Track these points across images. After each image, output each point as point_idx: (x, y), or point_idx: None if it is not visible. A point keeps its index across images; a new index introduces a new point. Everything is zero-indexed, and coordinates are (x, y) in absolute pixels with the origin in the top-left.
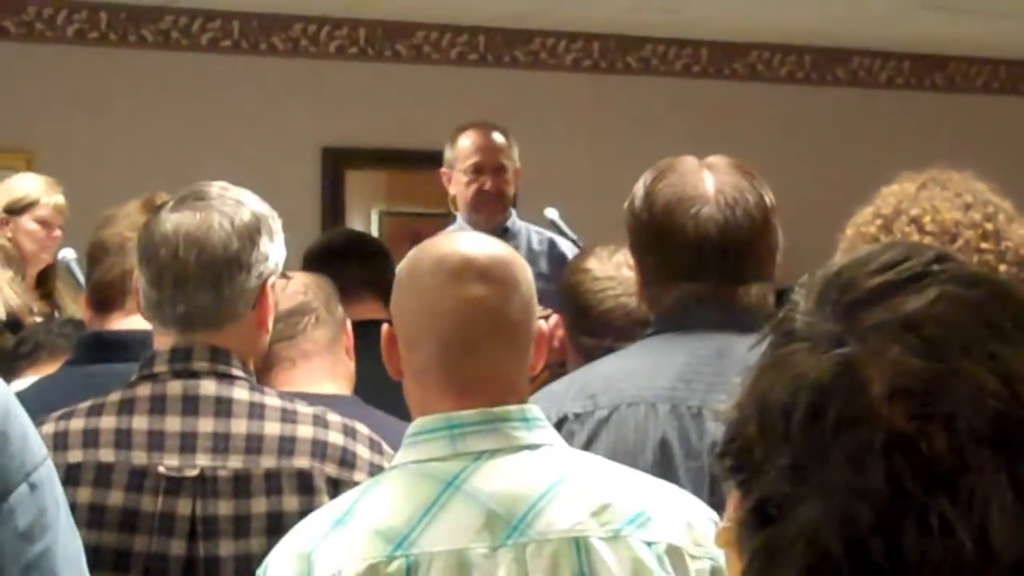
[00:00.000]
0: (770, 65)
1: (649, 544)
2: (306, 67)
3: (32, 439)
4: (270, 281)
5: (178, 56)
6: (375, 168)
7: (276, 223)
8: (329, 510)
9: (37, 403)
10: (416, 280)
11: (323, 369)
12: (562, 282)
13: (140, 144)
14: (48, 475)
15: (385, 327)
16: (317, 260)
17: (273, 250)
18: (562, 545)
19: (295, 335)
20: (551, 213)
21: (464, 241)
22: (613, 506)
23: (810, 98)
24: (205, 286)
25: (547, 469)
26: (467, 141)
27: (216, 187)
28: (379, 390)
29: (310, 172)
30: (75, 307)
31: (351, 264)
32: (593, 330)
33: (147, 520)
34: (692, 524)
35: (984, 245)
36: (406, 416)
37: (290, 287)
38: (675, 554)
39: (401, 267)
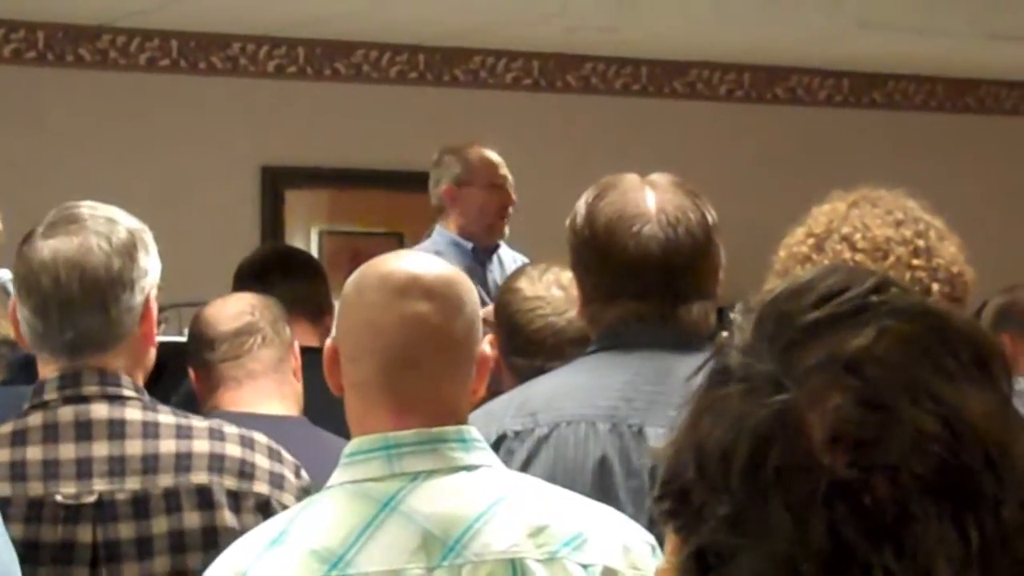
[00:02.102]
0: (709, 83)
1: (585, 566)
2: (245, 86)
3: None
4: (152, 295)
5: (116, 76)
6: (315, 187)
7: (149, 236)
8: (264, 529)
9: None
10: (361, 295)
11: (270, 389)
12: (494, 302)
13: (78, 164)
14: None
15: (329, 342)
16: (244, 279)
17: (151, 264)
18: (498, 567)
19: (241, 355)
20: None
21: (411, 260)
22: (550, 528)
23: (749, 116)
24: (92, 309)
25: (484, 490)
26: (480, 156)
27: (85, 207)
28: (316, 418)
29: (249, 191)
30: (9, 328)
31: (278, 285)
32: (523, 350)
33: (48, 551)
34: (629, 547)
35: (916, 262)
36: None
37: (237, 307)
38: None
39: (348, 282)
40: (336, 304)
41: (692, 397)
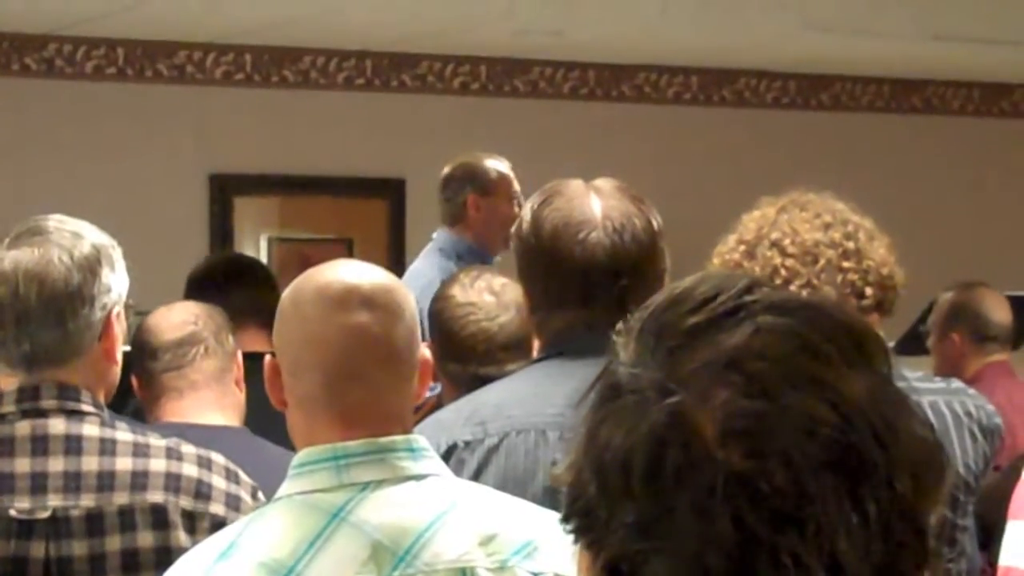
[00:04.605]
0: (657, 87)
1: (536, 575)
2: (192, 94)
3: None
4: (115, 312)
5: (62, 84)
6: (263, 194)
7: (117, 252)
8: (213, 543)
9: None
10: (299, 308)
11: (211, 400)
12: (429, 310)
13: (25, 174)
14: None
15: (268, 358)
16: (199, 287)
17: (116, 280)
18: None
19: (183, 365)
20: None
21: (347, 269)
22: (500, 536)
23: (697, 119)
24: (49, 322)
25: (433, 499)
26: (503, 167)
27: (53, 220)
28: (265, 424)
29: (198, 199)
30: None
31: (234, 292)
32: (457, 356)
33: (0, 565)
34: None
35: (846, 264)
36: (293, 448)
37: (180, 316)
38: None
39: (284, 296)
40: None
41: (585, 417)
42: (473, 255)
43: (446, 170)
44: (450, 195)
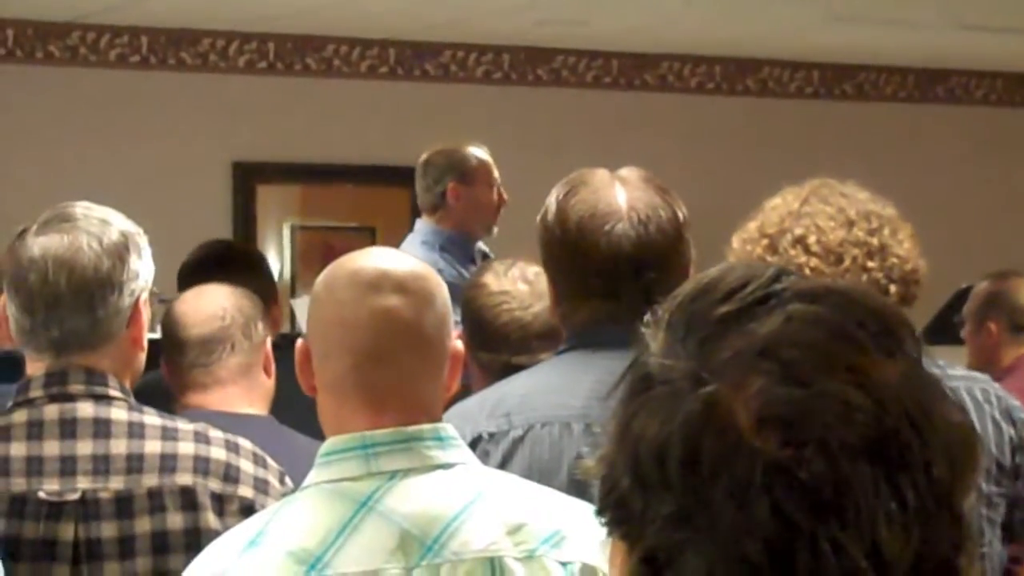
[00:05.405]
0: (680, 76)
1: (564, 564)
2: (215, 82)
3: None
4: (142, 298)
5: (86, 72)
6: (286, 182)
7: (143, 240)
8: (241, 531)
9: None
10: (332, 292)
11: (238, 395)
12: (461, 298)
13: (48, 161)
14: None
15: (300, 342)
16: (191, 277)
17: (143, 267)
18: (477, 565)
19: (210, 363)
20: None
21: (380, 255)
22: (528, 526)
23: (721, 108)
24: (78, 309)
25: (461, 488)
26: (482, 155)
27: (80, 207)
28: (280, 411)
29: (221, 187)
30: None
31: (226, 281)
32: (489, 344)
33: (29, 547)
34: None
35: (870, 264)
36: (312, 435)
37: (209, 309)
38: (590, 574)
39: (318, 281)
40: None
41: (616, 409)
42: (455, 245)
43: (424, 157)
44: (429, 183)
